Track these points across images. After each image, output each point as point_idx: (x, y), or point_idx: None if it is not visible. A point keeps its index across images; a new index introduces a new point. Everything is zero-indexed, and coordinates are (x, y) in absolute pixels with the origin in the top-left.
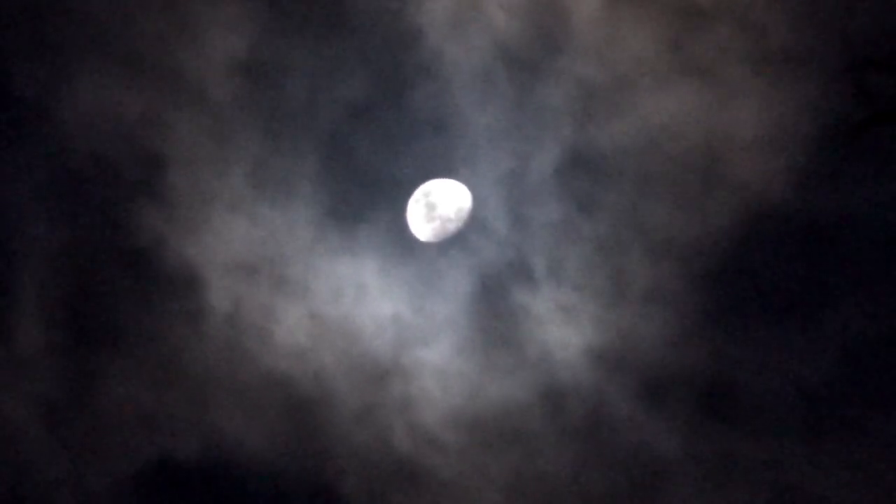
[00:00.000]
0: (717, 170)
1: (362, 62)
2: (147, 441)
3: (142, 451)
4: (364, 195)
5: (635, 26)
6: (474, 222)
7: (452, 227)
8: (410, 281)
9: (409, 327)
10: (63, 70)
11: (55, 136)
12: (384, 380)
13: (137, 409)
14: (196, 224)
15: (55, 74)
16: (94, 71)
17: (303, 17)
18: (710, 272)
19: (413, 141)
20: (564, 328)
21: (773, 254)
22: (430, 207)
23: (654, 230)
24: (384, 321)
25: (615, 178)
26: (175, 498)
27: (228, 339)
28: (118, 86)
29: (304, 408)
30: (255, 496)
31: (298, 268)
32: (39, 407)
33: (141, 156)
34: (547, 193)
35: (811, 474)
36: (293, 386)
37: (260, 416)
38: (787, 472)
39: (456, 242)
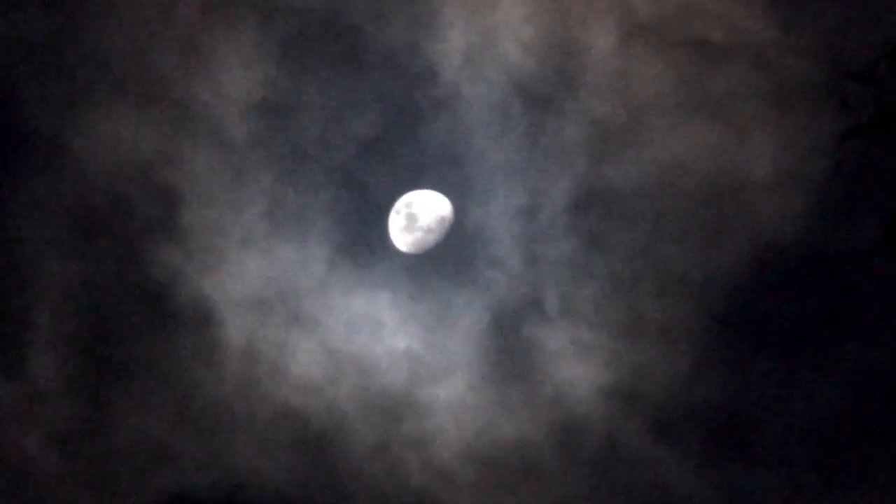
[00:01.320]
0: (730, 207)
1: (377, 98)
2: (161, 475)
3: (156, 484)
4: (378, 231)
5: (650, 63)
6: (487, 257)
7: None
8: (424, 316)
9: (423, 362)
10: (79, 106)
11: (71, 171)
12: (398, 415)
13: (152, 442)
14: (211, 260)
15: (71, 111)
16: (110, 107)
17: (317, 55)
18: (722, 308)
19: (427, 177)
20: (578, 364)
21: (785, 290)
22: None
23: (667, 267)
24: (398, 356)
25: (629, 215)
26: None
27: (243, 373)
28: (134, 122)
29: (318, 442)
30: None
31: (312, 303)
32: (54, 440)
33: (156, 192)
34: (560, 229)
35: None
36: (307, 421)
37: (274, 450)
38: None
39: (469, 278)
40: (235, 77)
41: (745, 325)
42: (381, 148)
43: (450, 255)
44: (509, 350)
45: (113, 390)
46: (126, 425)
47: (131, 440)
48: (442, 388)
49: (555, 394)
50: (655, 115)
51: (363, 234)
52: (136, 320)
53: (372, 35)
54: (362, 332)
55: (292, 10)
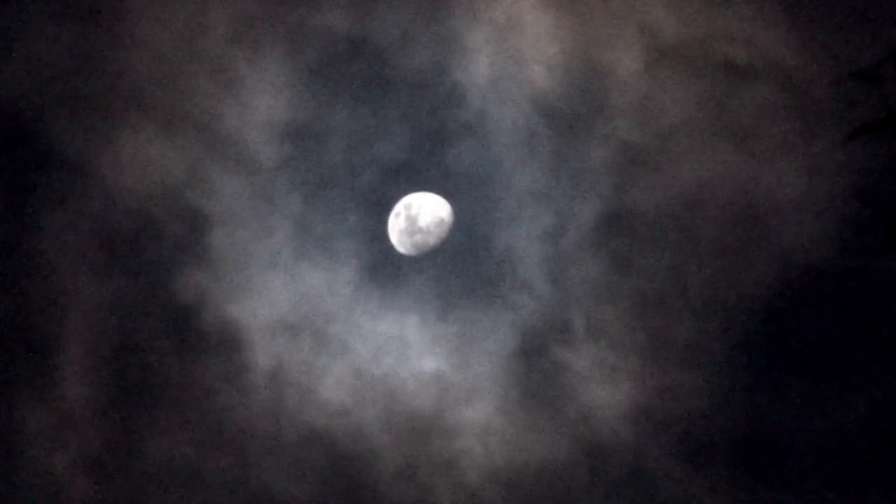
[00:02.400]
0: (756, 229)
1: (403, 122)
2: (190, 497)
3: None
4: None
5: (675, 86)
6: (514, 279)
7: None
8: (451, 338)
9: (451, 385)
10: (108, 131)
11: (99, 194)
12: (426, 437)
13: (181, 465)
14: (238, 283)
15: (99, 134)
16: (138, 130)
17: (344, 79)
18: (748, 330)
19: (453, 197)
20: (604, 386)
21: (811, 312)
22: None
23: (693, 289)
24: (426, 378)
25: (655, 237)
26: None
27: (271, 396)
28: (161, 145)
29: (346, 465)
30: None
31: (339, 326)
32: (84, 462)
33: (184, 214)
34: (586, 251)
35: None
36: (335, 443)
37: (302, 472)
38: None
39: (496, 299)
40: (263, 101)
41: (772, 347)
42: (408, 171)
43: (477, 277)
44: (536, 372)
45: (142, 413)
46: (155, 448)
47: (160, 463)
48: (469, 410)
49: (581, 416)
50: (681, 137)
51: (388, 255)
52: (165, 343)
53: (399, 58)
54: (390, 355)
55: (319, 34)
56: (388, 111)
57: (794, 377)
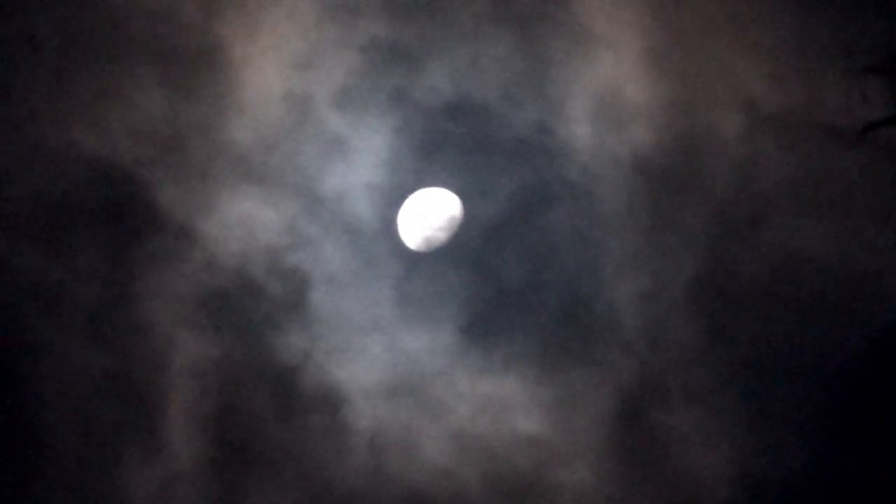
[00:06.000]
0: (853, 296)
1: (505, 179)
2: None
3: None
4: (505, 313)
5: (775, 151)
6: (612, 341)
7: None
8: (550, 399)
9: (550, 446)
10: (210, 193)
11: (202, 256)
12: (525, 498)
13: None
14: (338, 344)
15: (202, 197)
16: (240, 192)
17: (446, 140)
18: (845, 395)
19: (554, 258)
20: (703, 449)
21: None
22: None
23: (789, 353)
24: (525, 439)
25: (751, 301)
26: None
27: (370, 457)
28: (263, 206)
29: None
30: None
31: (439, 387)
32: None
33: (285, 275)
34: (684, 314)
35: None
36: None
37: None
38: None
39: (594, 361)
40: (363, 160)
41: (869, 412)
42: (509, 230)
43: (576, 339)
44: (634, 434)
45: (244, 474)
46: None
47: None
48: (568, 472)
49: (680, 478)
50: (779, 203)
51: (490, 319)
52: (266, 403)
53: (500, 119)
54: (489, 416)
55: (422, 96)
56: (488, 170)
57: (893, 441)
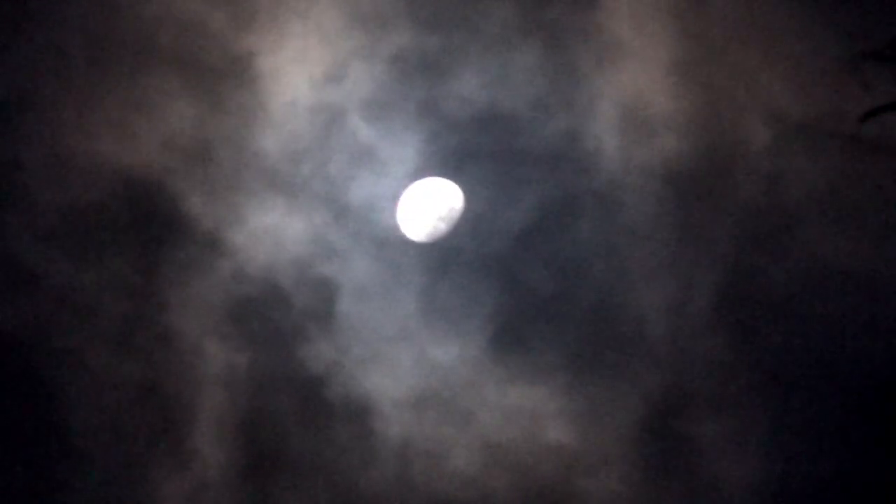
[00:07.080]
0: (884, 307)
1: (532, 188)
2: None
3: None
4: (533, 323)
5: (803, 159)
6: (640, 350)
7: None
8: (578, 410)
9: (578, 455)
10: (236, 203)
11: (230, 266)
12: None
13: None
14: (366, 353)
15: (229, 208)
16: (266, 202)
17: (475, 147)
18: (876, 406)
19: (582, 267)
20: (730, 459)
21: None
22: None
23: (817, 363)
24: (553, 448)
25: (779, 310)
26: None
27: (397, 466)
28: (289, 216)
29: None
30: None
31: (467, 397)
32: None
33: (312, 285)
34: (711, 323)
35: None
36: None
37: None
38: None
39: (622, 369)
40: (391, 171)
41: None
42: (536, 239)
43: (605, 347)
44: (663, 443)
45: (272, 483)
46: None
47: None
48: (595, 481)
49: (708, 487)
50: (808, 213)
51: (518, 329)
52: (294, 413)
53: (530, 127)
54: (517, 425)
55: (451, 104)
56: (516, 178)
57: None
